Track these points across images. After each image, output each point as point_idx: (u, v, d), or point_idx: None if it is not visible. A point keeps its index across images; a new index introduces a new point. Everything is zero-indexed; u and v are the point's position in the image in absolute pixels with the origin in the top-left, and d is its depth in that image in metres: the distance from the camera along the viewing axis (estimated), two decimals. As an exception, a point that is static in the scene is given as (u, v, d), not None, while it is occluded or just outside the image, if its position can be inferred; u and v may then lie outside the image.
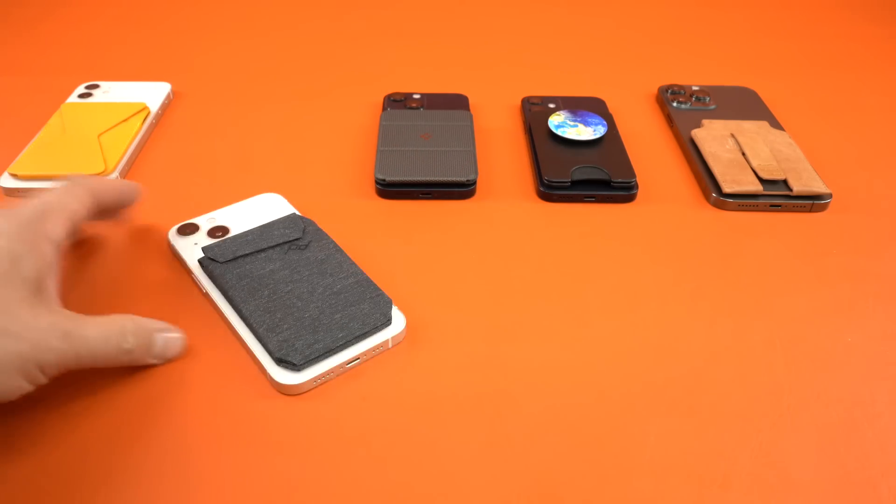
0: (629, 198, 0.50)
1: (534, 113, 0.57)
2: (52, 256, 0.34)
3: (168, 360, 0.36)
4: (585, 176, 0.50)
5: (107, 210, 0.41)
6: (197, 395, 0.35)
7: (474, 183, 0.50)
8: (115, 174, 0.49)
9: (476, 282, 0.42)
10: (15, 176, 0.49)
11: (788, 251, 0.46)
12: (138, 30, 0.72)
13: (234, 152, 0.54)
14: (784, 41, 0.73)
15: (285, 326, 0.36)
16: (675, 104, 0.59)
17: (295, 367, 0.35)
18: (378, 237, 0.46)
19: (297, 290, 0.39)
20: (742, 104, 0.60)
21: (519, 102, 0.61)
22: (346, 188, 0.50)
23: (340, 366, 0.36)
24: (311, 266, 0.41)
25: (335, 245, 0.42)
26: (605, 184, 0.50)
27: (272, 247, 0.42)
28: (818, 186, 0.49)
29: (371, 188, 0.50)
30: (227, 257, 0.41)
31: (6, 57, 0.67)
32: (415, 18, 0.76)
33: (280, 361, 0.35)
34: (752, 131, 0.54)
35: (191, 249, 0.43)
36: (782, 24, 0.77)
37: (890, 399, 0.36)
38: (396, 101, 0.59)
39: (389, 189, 0.49)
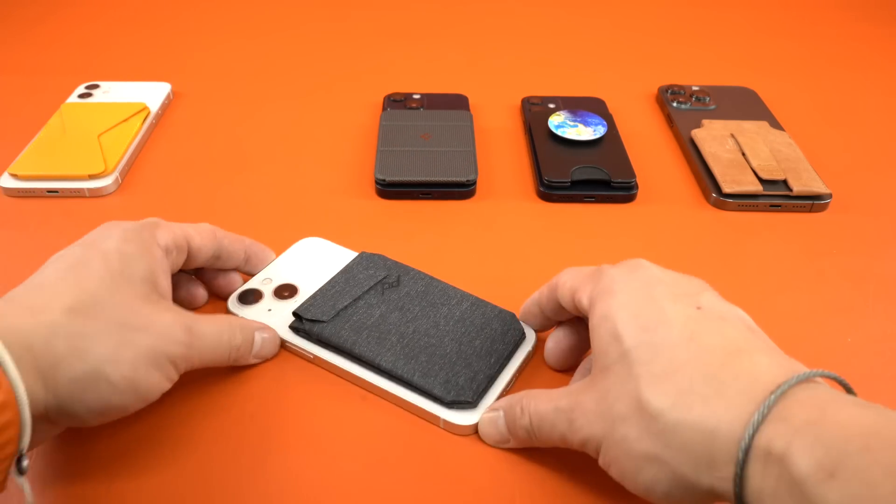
0: (629, 198, 0.50)
1: (534, 113, 0.57)
2: (162, 259, 0.33)
3: (264, 360, 0.36)
4: (585, 176, 0.50)
5: (227, 260, 0.39)
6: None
7: (474, 183, 0.50)
8: (115, 174, 0.49)
9: (476, 282, 0.42)
10: (15, 176, 0.49)
11: (788, 251, 0.46)
12: (138, 30, 0.72)
13: (234, 152, 0.54)
14: (784, 41, 0.73)
15: (437, 368, 0.34)
16: (675, 104, 0.59)
17: (470, 404, 0.33)
18: (378, 237, 0.46)
19: (422, 328, 0.37)
20: (742, 104, 0.60)
21: (519, 102, 0.61)
22: (346, 188, 0.50)
23: (504, 391, 0.35)
24: (417, 300, 0.38)
25: (424, 273, 0.40)
26: (605, 184, 0.50)
27: (366, 292, 0.39)
28: (818, 186, 0.49)
29: (371, 188, 0.50)
30: (329, 314, 0.37)
31: (6, 57, 0.67)
32: (415, 18, 0.76)
33: (453, 404, 0.33)
34: (752, 131, 0.54)
35: (269, 317, 0.38)
36: (782, 24, 0.77)
37: (890, 399, 0.36)
38: (396, 101, 0.59)
39: (389, 189, 0.49)
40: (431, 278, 0.40)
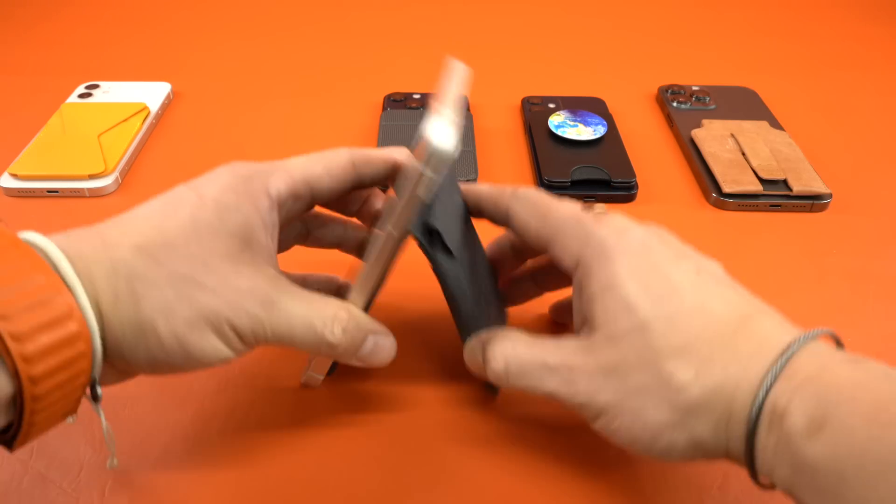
0: (629, 198, 0.50)
1: (534, 113, 0.57)
2: (269, 213, 0.29)
3: (371, 366, 0.31)
4: (585, 176, 0.50)
5: (370, 184, 0.34)
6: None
7: (474, 183, 0.49)
8: (115, 174, 0.49)
9: (476, 282, 0.42)
10: (15, 176, 0.49)
11: (788, 251, 0.46)
12: (138, 30, 0.72)
13: (234, 152, 0.54)
14: (784, 41, 0.73)
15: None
16: (675, 104, 0.59)
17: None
18: (378, 237, 0.46)
19: (482, 290, 0.33)
20: (742, 104, 0.60)
21: (519, 102, 0.61)
22: (346, 188, 0.50)
23: None
24: (479, 251, 0.34)
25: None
26: (605, 184, 0.50)
27: (461, 222, 0.32)
28: (818, 186, 0.49)
29: (371, 188, 0.50)
30: (456, 246, 0.30)
31: (6, 57, 0.67)
32: (415, 18, 0.76)
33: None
34: (752, 131, 0.54)
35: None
36: (782, 24, 0.77)
37: (890, 399, 0.36)
38: (396, 101, 0.59)
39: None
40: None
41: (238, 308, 0.27)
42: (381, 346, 0.31)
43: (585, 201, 0.49)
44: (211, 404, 0.34)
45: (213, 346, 0.27)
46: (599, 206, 0.30)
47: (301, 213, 0.33)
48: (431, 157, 0.25)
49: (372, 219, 0.36)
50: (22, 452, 0.32)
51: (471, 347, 0.32)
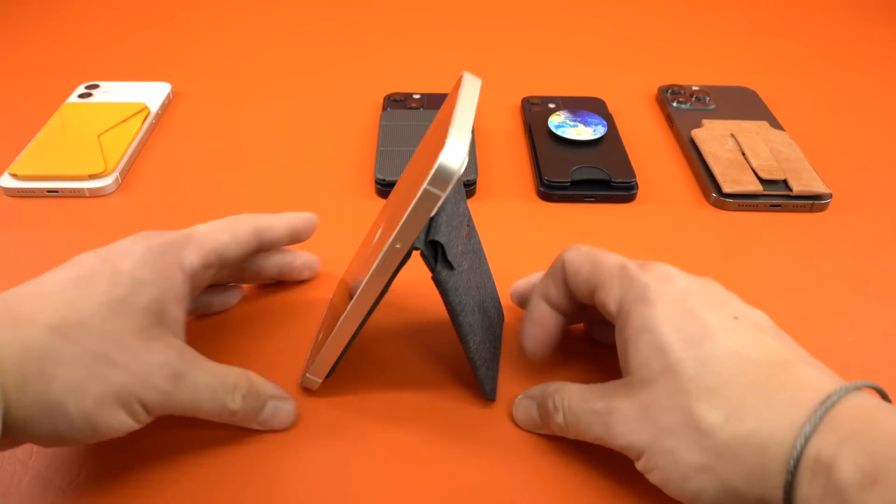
0: (629, 198, 0.50)
1: (534, 113, 0.57)
2: (182, 286, 0.31)
3: (271, 430, 0.33)
4: (585, 176, 0.50)
5: (270, 247, 0.37)
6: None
7: (474, 183, 0.50)
8: (115, 174, 0.49)
9: (476, 282, 0.42)
10: (15, 176, 0.49)
11: (788, 251, 0.46)
12: (138, 30, 0.72)
13: (234, 152, 0.54)
14: (784, 41, 0.73)
15: (489, 357, 0.34)
16: (675, 104, 0.59)
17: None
18: (378, 237, 0.46)
19: (484, 297, 0.34)
20: (742, 104, 0.60)
21: (519, 102, 0.61)
22: (346, 188, 0.50)
23: None
24: (480, 258, 0.34)
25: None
26: (605, 184, 0.50)
27: (464, 234, 0.33)
28: (818, 186, 0.49)
29: (371, 188, 0.50)
30: (457, 259, 0.30)
31: (6, 57, 0.67)
32: (415, 18, 0.76)
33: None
34: (752, 131, 0.54)
35: None
36: (782, 24, 0.77)
37: (891, 399, 0.36)
38: (396, 101, 0.59)
39: (389, 189, 0.49)
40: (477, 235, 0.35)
41: (147, 384, 0.28)
42: (281, 409, 0.32)
43: (585, 201, 0.49)
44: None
45: (120, 420, 0.28)
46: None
47: (208, 281, 0.34)
48: (438, 174, 0.25)
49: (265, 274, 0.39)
50: (22, 452, 0.32)
51: (525, 406, 0.33)
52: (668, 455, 0.26)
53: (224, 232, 0.34)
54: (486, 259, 0.36)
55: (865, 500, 0.22)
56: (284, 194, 0.50)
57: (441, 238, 0.29)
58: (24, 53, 0.67)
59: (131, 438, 0.32)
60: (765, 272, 0.44)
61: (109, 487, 0.31)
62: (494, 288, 0.37)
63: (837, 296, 0.42)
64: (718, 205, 0.49)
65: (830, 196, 0.49)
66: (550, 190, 0.49)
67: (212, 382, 0.30)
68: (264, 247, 0.37)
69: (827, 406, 0.24)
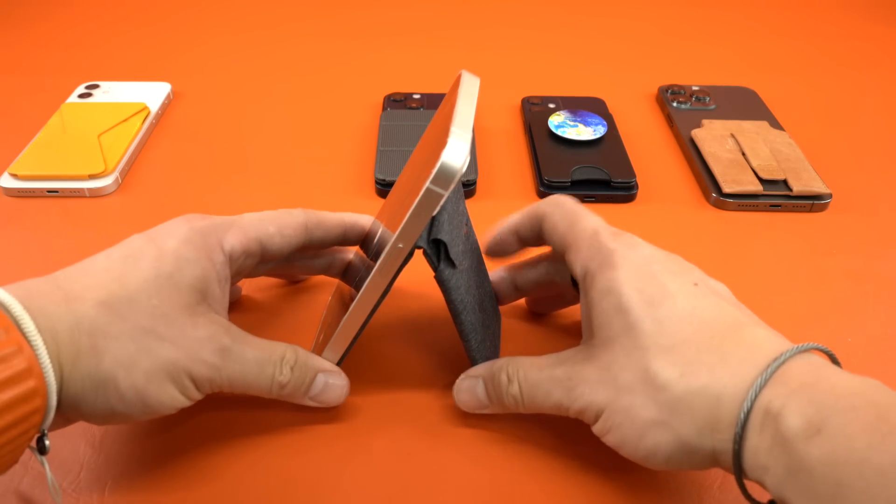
0: (629, 198, 0.50)
1: (534, 113, 0.57)
2: (223, 267, 0.31)
3: (323, 405, 0.33)
4: (585, 176, 0.50)
5: (320, 246, 0.36)
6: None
7: (474, 183, 0.50)
8: (115, 174, 0.49)
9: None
10: (15, 176, 0.49)
11: (788, 251, 0.46)
12: (138, 30, 0.72)
13: (234, 152, 0.54)
14: (784, 41, 0.73)
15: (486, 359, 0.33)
16: (675, 104, 0.59)
17: None
18: (378, 237, 0.46)
19: (483, 297, 0.34)
20: (742, 104, 0.60)
21: (519, 102, 0.61)
22: (346, 188, 0.50)
23: None
24: (479, 258, 0.34)
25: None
26: (605, 184, 0.50)
27: (463, 233, 0.32)
28: (818, 186, 0.49)
29: (371, 188, 0.50)
30: (459, 257, 0.30)
31: (6, 57, 0.67)
32: (415, 18, 0.76)
33: None
34: (752, 131, 0.54)
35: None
36: (782, 24, 0.77)
37: (890, 399, 0.36)
38: (396, 101, 0.59)
39: (389, 189, 0.49)
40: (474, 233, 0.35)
41: (196, 358, 0.28)
42: (332, 384, 0.32)
43: (585, 201, 0.49)
44: (211, 403, 0.34)
45: (170, 395, 0.28)
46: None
47: (250, 269, 0.34)
48: (440, 173, 0.25)
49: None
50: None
51: (468, 386, 0.33)
52: (625, 412, 0.27)
53: (271, 223, 0.33)
54: (482, 259, 0.37)
55: (809, 449, 0.22)
56: (284, 194, 0.50)
57: (444, 236, 0.29)
58: (24, 53, 0.67)
59: (135, 439, 0.33)
60: (765, 272, 0.44)
61: (110, 489, 0.31)
62: (492, 287, 0.37)
63: (837, 296, 0.42)
64: (718, 205, 0.49)
65: (830, 196, 0.49)
66: (550, 190, 0.49)
67: (259, 356, 0.30)
68: (314, 244, 0.35)
69: (779, 362, 0.25)
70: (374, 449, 0.33)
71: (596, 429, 0.29)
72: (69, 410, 0.27)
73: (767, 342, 0.26)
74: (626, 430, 0.27)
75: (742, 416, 0.24)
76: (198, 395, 0.29)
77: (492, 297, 0.37)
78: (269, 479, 0.31)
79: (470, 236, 0.34)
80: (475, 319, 0.32)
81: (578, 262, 0.31)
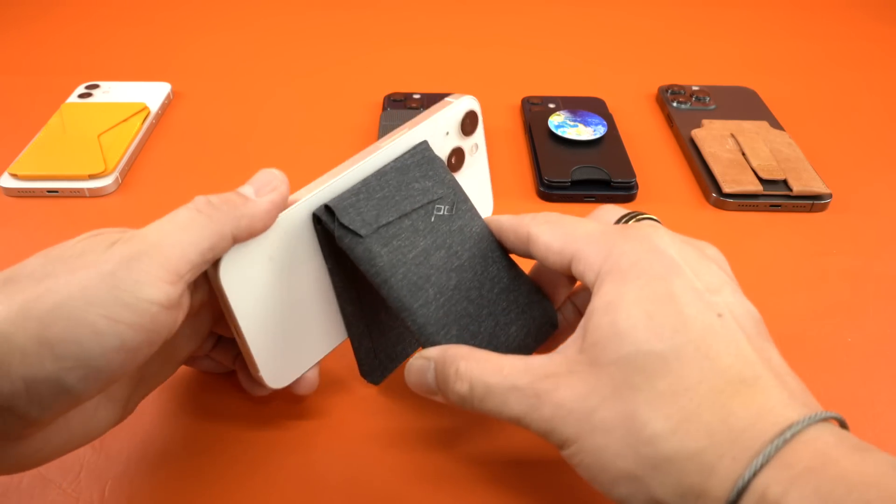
0: (629, 198, 0.50)
1: (534, 113, 0.57)
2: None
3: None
4: (585, 176, 0.50)
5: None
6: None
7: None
8: (115, 174, 0.49)
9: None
10: (15, 176, 0.49)
11: (788, 251, 0.46)
12: (138, 30, 0.72)
13: (234, 152, 0.54)
14: (784, 41, 0.73)
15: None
16: (675, 104, 0.59)
17: None
18: (378, 237, 0.46)
19: (465, 284, 0.30)
20: (742, 104, 0.60)
21: (519, 102, 0.61)
22: (346, 188, 0.50)
23: None
24: (468, 244, 0.31)
25: (478, 212, 0.32)
26: (605, 184, 0.50)
27: (415, 209, 0.30)
28: (818, 186, 0.49)
29: (371, 188, 0.50)
30: (369, 228, 0.29)
31: (6, 57, 0.67)
32: (415, 18, 0.76)
33: None
34: (752, 131, 0.54)
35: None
36: (782, 24, 0.77)
37: (890, 399, 0.36)
38: (396, 101, 0.59)
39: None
40: (485, 222, 0.32)
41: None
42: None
43: (585, 201, 0.49)
44: (211, 403, 0.34)
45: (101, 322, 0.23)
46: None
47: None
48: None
49: None
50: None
51: (418, 366, 0.29)
52: (596, 455, 0.24)
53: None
54: (490, 247, 0.32)
55: None
56: (284, 194, 0.50)
57: (333, 203, 0.28)
58: (24, 53, 0.67)
59: (135, 439, 0.33)
60: (765, 272, 0.44)
61: (110, 489, 0.31)
62: (511, 269, 0.32)
63: (837, 296, 0.42)
64: (718, 205, 0.49)
65: (830, 196, 0.49)
66: (550, 190, 0.49)
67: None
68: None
69: (784, 438, 0.21)
70: (373, 448, 0.33)
71: (563, 455, 0.25)
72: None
73: (779, 407, 0.22)
74: (596, 473, 0.24)
75: (734, 495, 0.21)
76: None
77: (510, 291, 0.31)
78: (268, 478, 0.31)
79: (454, 220, 0.31)
80: (408, 298, 0.28)
81: (590, 269, 0.26)
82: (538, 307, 0.31)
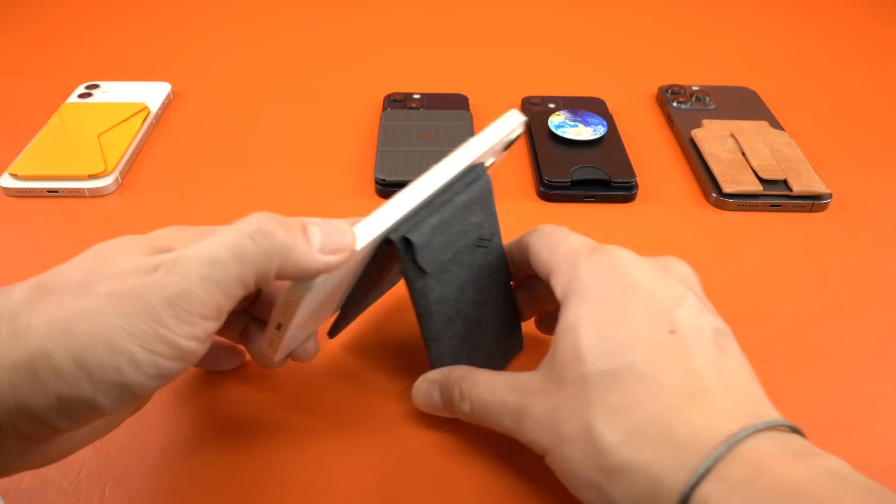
0: (629, 198, 0.50)
1: (534, 113, 0.57)
2: None
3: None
4: (585, 176, 0.50)
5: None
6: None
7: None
8: (115, 174, 0.49)
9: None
10: (15, 176, 0.49)
11: (788, 251, 0.46)
12: (138, 30, 0.72)
13: (234, 152, 0.54)
14: (784, 41, 0.73)
15: None
16: (675, 104, 0.59)
17: None
18: (378, 237, 0.46)
19: (481, 317, 0.33)
20: (742, 104, 0.60)
21: (519, 102, 0.61)
22: (346, 188, 0.50)
23: None
24: (492, 276, 0.33)
25: (500, 240, 0.34)
26: (605, 184, 0.50)
27: (467, 245, 0.31)
28: (818, 186, 0.49)
29: (371, 188, 0.50)
30: (434, 264, 0.30)
31: (6, 57, 0.67)
32: (415, 18, 0.76)
33: None
34: (752, 131, 0.54)
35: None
36: (782, 24, 0.77)
37: (890, 399, 0.36)
38: (396, 101, 0.59)
39: (389, 189, 0.49)
40: (504, 250, 0.34)
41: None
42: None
43: (585, 201, 0.49)
44: (211, 405, 0.34)
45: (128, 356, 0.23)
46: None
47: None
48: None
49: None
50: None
51: (424, 389, 0.32)
52: (565, 463, 0.26)
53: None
54: (504, 280, 0.34)
55: None
56: (284, 194, 0.50)
57: (415, 238, 0.28)
58: (24, 53, 0.67)
59: (136, 440, 0.33)
60: (765, 272, 0.44)
61: (110, 489, 0.31)
62: (512, 311, 0.35)
63: (837, 296, 0.42)
64: (718, 205, 0.49)
65: (830, 196, 0.49)
66: (550, 190, 0.49)
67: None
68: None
69: (721, 452, 0.23)
70: (373, 448, 0.33)
71: (546, 461, 0.28)
72: (17, 420, 0.23)
73: (720, 420, 0.24)
74: (568, 479, 0.27)
75: None
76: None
77: (505, 320, 0.35)
78: (268, 478, 0.31)
79: (487, 254, 0.33)
80: (442, 330, 0.31)
81: (559, 286, 0.29)
82: (515, 335, 0.35)
